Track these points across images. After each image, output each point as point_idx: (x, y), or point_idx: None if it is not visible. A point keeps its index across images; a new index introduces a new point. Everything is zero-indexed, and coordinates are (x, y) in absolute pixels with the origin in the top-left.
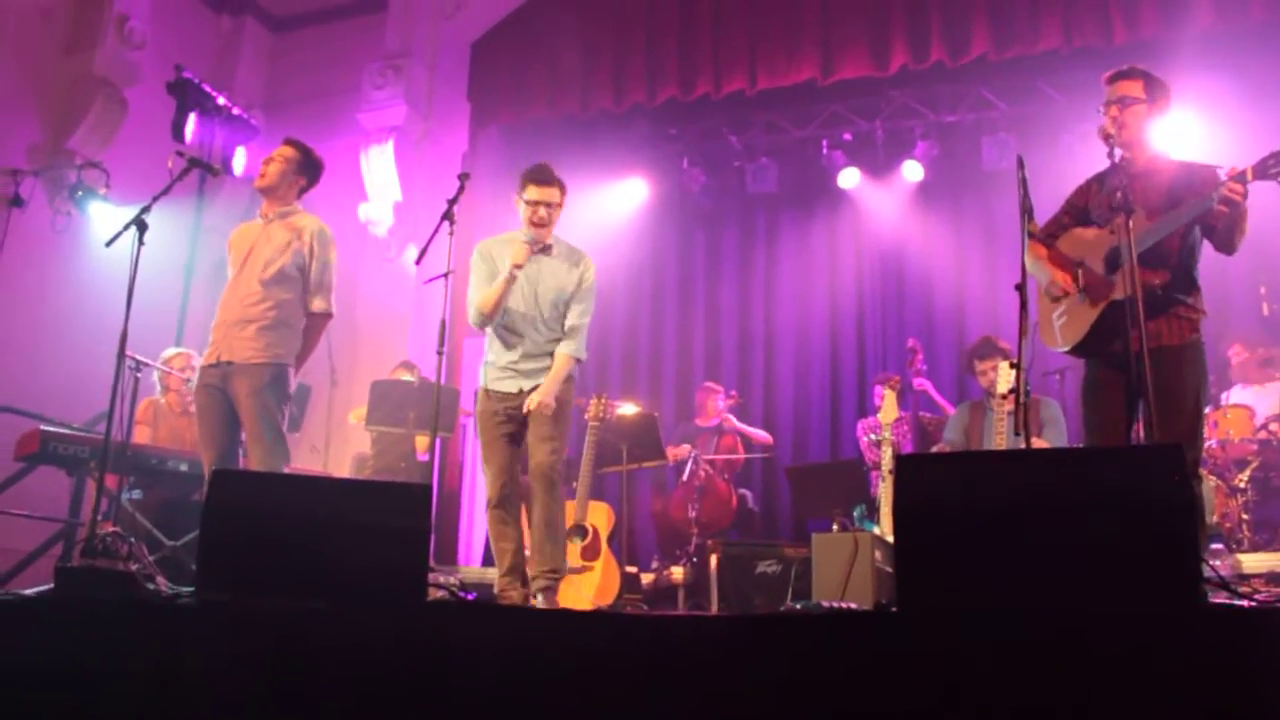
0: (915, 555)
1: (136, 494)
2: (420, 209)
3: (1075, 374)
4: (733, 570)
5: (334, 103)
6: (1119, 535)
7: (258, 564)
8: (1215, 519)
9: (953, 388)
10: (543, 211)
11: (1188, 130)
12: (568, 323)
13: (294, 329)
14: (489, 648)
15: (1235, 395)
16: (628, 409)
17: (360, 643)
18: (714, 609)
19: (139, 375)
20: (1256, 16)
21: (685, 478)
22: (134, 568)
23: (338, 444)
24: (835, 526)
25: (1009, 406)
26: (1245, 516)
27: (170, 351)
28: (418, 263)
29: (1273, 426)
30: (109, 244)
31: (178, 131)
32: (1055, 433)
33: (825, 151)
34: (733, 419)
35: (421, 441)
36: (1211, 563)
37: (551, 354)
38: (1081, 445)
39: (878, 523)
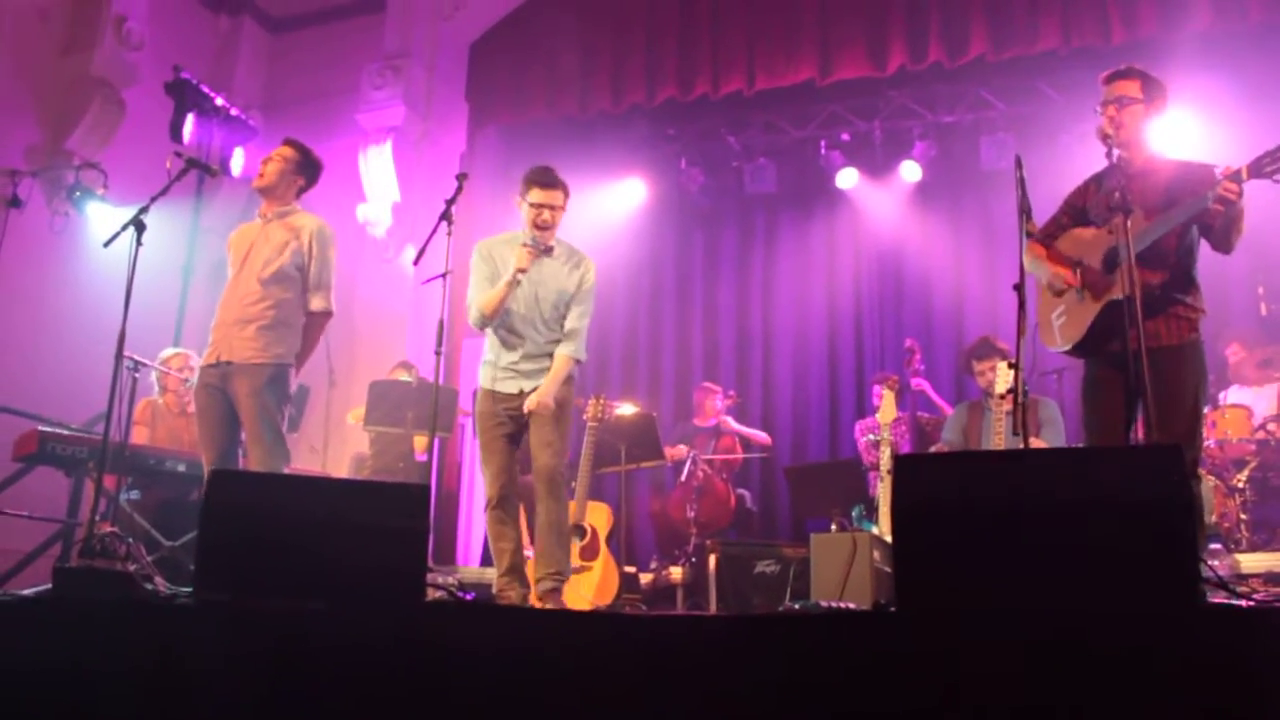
0: (914, 555)
1: (135, 494)
2: (418, 209)
3: (1073, 374)
4: (731, 570)
5: (332, 103)
6: (1117, 535)
7: (256, 564)
8: (1214, 519)
9: (951, 388)
10: (547, 215)
11: (1186, 131)
12: (567, 325)
13: (294, 328)
14: (488, 648)
15: (1233, 395)
16: (626, 409)
17: (359, 643)
18: (712, 609)
19: (137, 376)
20: (1255, 17)
21: (684, 478)
22: (132, 568)
23: (336, 444)
24: (834, 526)
25: (1007, 406)
26: (1243, 516)
27: (168, 352)
28: (416, 263)
29: (1271, 426)
30: (107, 244)
31: (176, 132)
32: (1053, 432)
33: (823, 152)
34: (730, 420)
35: (420, 442)
36: (1210, 563)
37: (551, 355)
38: (1081, 445)
39: (876, 523)
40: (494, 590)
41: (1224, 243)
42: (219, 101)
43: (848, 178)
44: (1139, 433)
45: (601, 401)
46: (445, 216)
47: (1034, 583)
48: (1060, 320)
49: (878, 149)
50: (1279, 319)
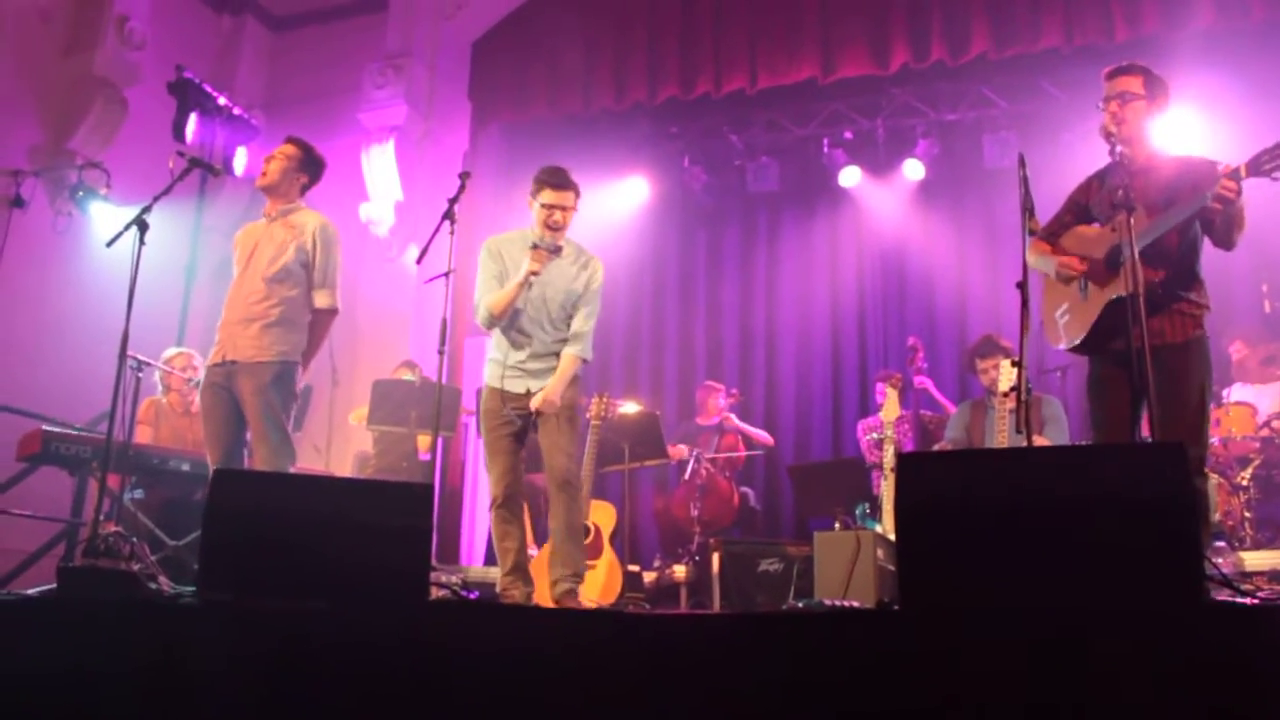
0: (917, 553)
1: (138, 494)
2: (421, 208)
3: (1076, 371)
4: (735, 569)
5: (335, 102)
6: (1121, 533)
7: (260, 564)
8: (1218, 516)
9: (954, 386)
10: (558, 216)
11: (1189, 128)
12: (574, 326)
13: (299, 326)
14: (491, 647)
15: (1237, 393)
16: (629, 408)
17: (363, 642)
18: (716, 607)
19: (140, 375)
20: (1257, 15)
21: (687, 476)
22: (136, 568)
23: (339, 443)
24: (837, 525)
25: (1010, 404)
26: (1248, 514)
27: (171, 351)
28: (419, 262)
29: (1275, 424)
30: (110, 244)
31: (178, 132)
32: (1056, 430)
33: (826, 150)
34: (733, 418)
35: (423, 441)
36: (1214, 560)
37: (558, 354)
38: (1085, 442)
39: (880, 521)
40: (498, 589)
41: (1225, 240)
42: (221, 101)
43: (850, 176)
44: (1146, 430)
45: (605, 400)
46: (448, 215)
47: (1038, 581)
48: (1064, 318)
49: (880, 147)
50: None
